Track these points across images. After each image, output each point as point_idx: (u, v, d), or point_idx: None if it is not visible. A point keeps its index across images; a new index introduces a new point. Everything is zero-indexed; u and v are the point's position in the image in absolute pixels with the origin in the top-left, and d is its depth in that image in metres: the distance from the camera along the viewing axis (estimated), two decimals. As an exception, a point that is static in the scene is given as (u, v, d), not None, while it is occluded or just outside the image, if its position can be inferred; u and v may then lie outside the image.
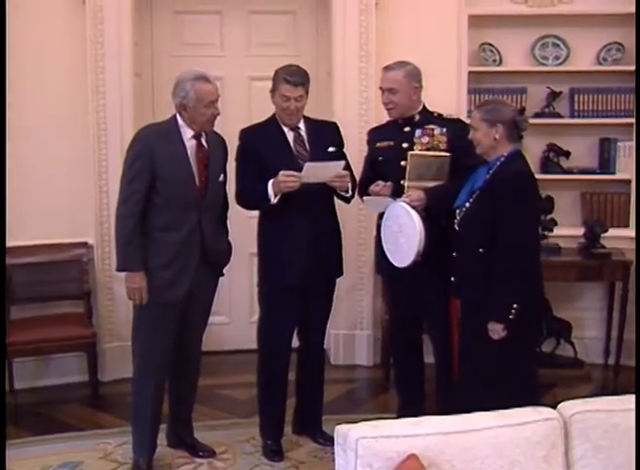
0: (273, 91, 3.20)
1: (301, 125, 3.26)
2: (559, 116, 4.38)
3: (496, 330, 2.72)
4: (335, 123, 3.43)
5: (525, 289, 2.72)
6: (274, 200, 3.09)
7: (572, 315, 4.33)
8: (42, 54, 4.00)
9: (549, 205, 4.19)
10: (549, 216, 4.20)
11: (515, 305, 2.68)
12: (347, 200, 3.31)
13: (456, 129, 3.20)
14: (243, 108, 4.32)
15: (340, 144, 3.33)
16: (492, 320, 2.72)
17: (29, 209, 3.98)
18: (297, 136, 3.24)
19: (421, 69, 3.31)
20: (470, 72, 4.28)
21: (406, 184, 3.14)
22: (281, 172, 3.04)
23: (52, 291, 4.05)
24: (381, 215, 3.24)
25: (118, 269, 3.09)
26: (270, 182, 3.08)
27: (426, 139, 3.19)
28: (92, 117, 4.03)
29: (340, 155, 3.26)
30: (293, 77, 3.13)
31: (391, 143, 3.26)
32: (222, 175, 3.15)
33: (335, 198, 3.29)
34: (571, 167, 4.41)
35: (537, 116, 4.32)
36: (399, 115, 3.25)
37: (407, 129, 3.24)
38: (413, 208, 3.03)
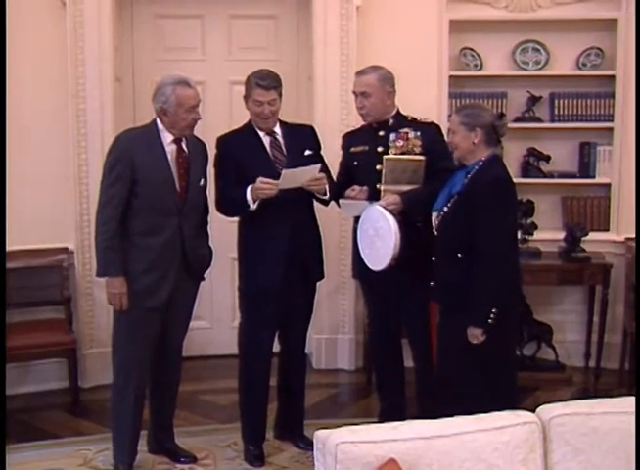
0: (247, 97, 3.20)
1: (277, 130, 3.26)
2: (539, 120, 4.41)
3: (475, 335, 2.73)
4: (311, 127, 3.44)
5: (504, 293, 2.73)
6: (253, 205, 3.09)
7: (553, 319, 4.35)
8: (21, 58, 3.96)
9: (529, 208, 4.21)
10: (529, 220, 4.21)
11: (494, 310, 2.69)
12: (326, 202, 3.31)
13: (430, 133, 3.24)
14: (223, 112, 4.31)
15: (316, 147, 3.33)
16: (471, 325, 2.73)
17: (9, 214, 3.92)
18: (274, 141, 3.24)
19: (402, 73, 3.33)
20: (451, 77, 4.30)
21: (382, 188, 3.16)
22: (258, 179, 3.05)
23: (32, 296, 4.02)
24: (357, 220, 3.25)
25: (99, 275, 3.08)
26: (249, 188, 3.08)
27: (400, 143, 3.21)
28: (72, 121, 4.01)
29: (316, 158, 3.27)
30: (264, 81, 3.14)
31: (366, 147, 3.28)
32: (203, 180, 3.14)
33: (314, 201, 3.30)
34: (551, 171, 4.43)
35: (518, 120, 4.35)
36: (373, 119, 3.26)
37: (382, 133, 3.26)
38: (389, 211, 3.05)
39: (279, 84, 3.18)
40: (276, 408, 3.47)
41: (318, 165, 3.14)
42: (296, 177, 3.07)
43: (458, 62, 4.37)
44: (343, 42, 4.14)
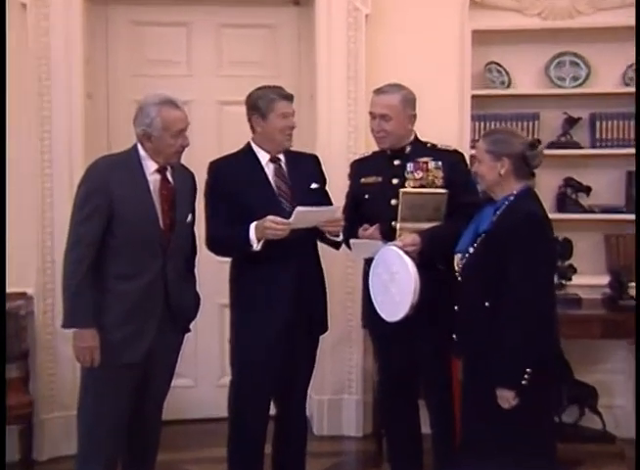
0: (265, 115, 3.32)
1: (281, 156, 3.40)
2: (577, 145, 4.52)
3: (506, 398, 2.79)
4: (315, 156, 3.59)
5: (539, 349, 2.79)
6: (257, 246, 3.20)
7: (598, 379, 4.39)
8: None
9: (567, 249, 4.30)
10: (567, 263, 4.31)
11: (528, 369, 2.75)
12: (337, 245, 3.44)
13: (453, 162, 3.38)
14: (212, 136, 4.46)
15: (322, 181, 3.48)
16: (501, 386, 2.79)
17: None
18: (278, 169, 3.38)
19: (418, 92, 3.48)
20: (474, 96, 4.44)
21: (398, 226, 3.28)
22: (269, 218, 3.15)
23: (-18, 349, 4.05)
24: (368, 262, 3.35)
25: (65, 326, 3.12)
26: (253, 225, 3.19)
27: (419, 174, 3.34)
28: (34, 145, 4.10)
29: (323, 193, 3.43)
30: (286, 92, 3.34)
31: (379, 178, 3.42)
32: (190, 216, 3.25)
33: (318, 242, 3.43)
34: (592, 206, 4.53)
35: (552, 146, 4.46)
36: (390, 145, 3.41)
37: (397, 162, 3.40)
38: (407, 253, 3.15)
39: None
40: (271, 481, 3.55)
41: (339, 207, 3.30)
42: (310, 217, 3.19)
43: (482, 79, 4.51)
44: (351, 56, 4.28)
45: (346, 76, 4.30)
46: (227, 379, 3.53)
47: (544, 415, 2.96)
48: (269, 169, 3.37)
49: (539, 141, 3.02)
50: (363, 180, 3.48)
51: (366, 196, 3.45)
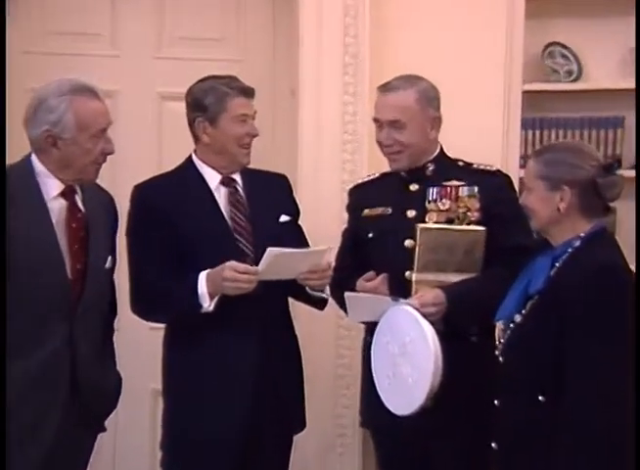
0: (212, 117, 3.37)
1: (237, 177, 3.46)
2: None
3: None
4: (284, 177, 3.66)
5: (616, 465, 2.75)
6: (209, 305, 3.23)
7: None
8: None
9: None
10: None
11: None
12: (321, 304, 3.49)
13: (494, 188, 3.43)
14: (148, 143, 4.50)
15: (294, 211, 3.54)
16: None
17: None
18: (233, 194, 3.44)
19: (445, 87, 3.52)
20: (526, 92, 4.48)
21: (414, 277, 3.31)
22: (229, 264, 3.17)
23: None
24: (371, 328, 3.37)
25: None
26: (203, 275, 3.23)
27: (446, 204, 3.39)
28: None
29: (297, 228, 3.50)
30: (243, 85, 3.40)
31: (389, 210, 3.47)
32: (110, 258, 3.27)
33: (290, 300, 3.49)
34: None
35: (643, 165, 4.56)
36: (408, 163, 3.44)
37: (415, 188, 3.45)
38: (425, 316, 3.15)
39: None
40: None
41: (329, 248, 3.33)
42: (288, 263, 3.21)
43: (540, 67, 4.60)
44: (349, 35, 4.31)
45: (342, 63, 4.32)
46: (160, 501, 3.56)
47: None
48: (220, 195, 3.43)
49: (620, 161, 3.03)
50: (367, 212, 3.54)
51: (370, 234, 3.49)
